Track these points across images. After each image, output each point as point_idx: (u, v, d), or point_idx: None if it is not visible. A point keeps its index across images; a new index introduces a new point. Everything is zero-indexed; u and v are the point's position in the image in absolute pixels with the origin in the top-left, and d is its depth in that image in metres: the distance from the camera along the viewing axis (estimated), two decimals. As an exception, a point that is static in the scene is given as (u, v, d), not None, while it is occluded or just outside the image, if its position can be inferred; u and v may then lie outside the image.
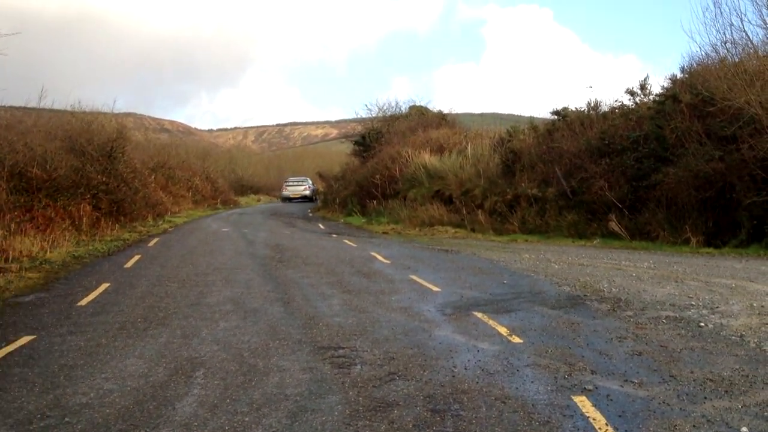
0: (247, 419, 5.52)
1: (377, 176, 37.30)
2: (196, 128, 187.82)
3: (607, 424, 5.30)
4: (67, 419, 5.55)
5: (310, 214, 44.32)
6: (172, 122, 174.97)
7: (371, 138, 47.11)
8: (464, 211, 27.95)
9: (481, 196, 28.33)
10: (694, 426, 5.28)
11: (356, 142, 51.11)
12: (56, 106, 33.75)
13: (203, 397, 6.07)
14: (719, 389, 6.18)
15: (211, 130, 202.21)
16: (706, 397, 5.95)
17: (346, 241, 22.81)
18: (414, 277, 13.57)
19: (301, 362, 7.23)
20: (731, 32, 20.05)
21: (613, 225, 20.86)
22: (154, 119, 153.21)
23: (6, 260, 14.83)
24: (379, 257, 17.29)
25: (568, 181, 23.88)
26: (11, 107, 34.58)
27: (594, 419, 5.42)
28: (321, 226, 31.99)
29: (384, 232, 28.27)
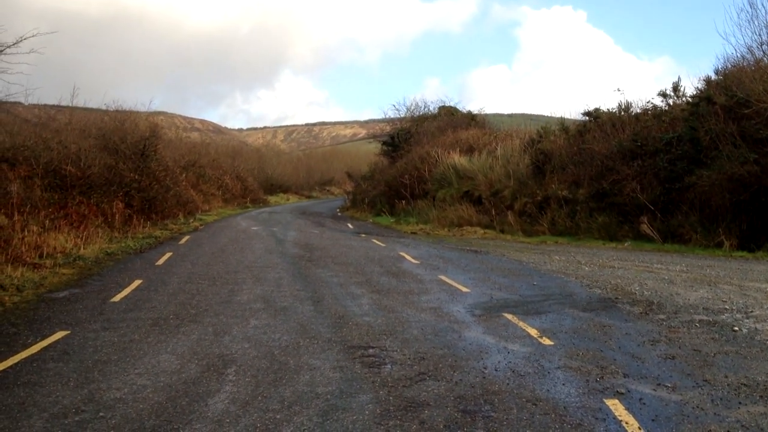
0: (278, 417, 5.55)
1: (406, 176, 37.31)
2: (226, 127, 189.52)
3: (639, 428, 5.24)
4: (101, 414, 5.63)
5: (339, 214, 44.49)
6: (202, 121, 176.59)
7: (400, 138, 47.14)
8: (493, 212, 27.84)
9: (511, 197, 28.20)
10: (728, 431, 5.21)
11: (385, 142, 51.17)
12: (90, 105, 34.35)
13: (235, 394, 6.12)
14: (754, 394, 6.09)
15: (241, 130, 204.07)
16: (740, 403, 5.87)
17: (375, 240, 22.84)
18: (443, 278, 13.56)
19: (332, 361, 7.25)
20: (767, 34, 19.73)
21: (645, 227, 20.62)
22: (184, 118, 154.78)
23: (40, 256, 15.08)
24: (408, 257, 17.29)
25: (599, 183, 23.67)
26: (45, 105, 35.23)
27: (627, 423, 5.37)
28: (350, 226, 32.07)
29: (413, 232, 28.27)
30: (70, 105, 32.73)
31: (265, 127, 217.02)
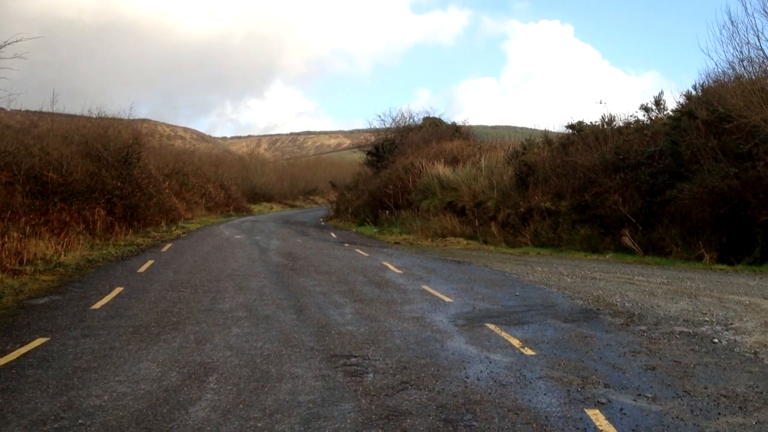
0: (259, 425, 5.52)
1: (390, 186, 37.38)
2: (210, 135, 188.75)
3: (620, 438, 5.28)
4: (80, 421, 5.58)
5: (323, 223, 44.45)
6: (186, 129, 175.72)
7: (384, 148, 47.20)
8: (477, 223, 27.93)
9: (494, 208, 28.29)
10: (708, 442, 5.25)
11: (369, 152, 51.22)
12: (74, 111, 34.17)
13: (216, 402, 6.09)
14: (733, 405, 6.14)
15: (225, 138, 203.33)
16: (720, 413, 5.92)
17: (359, 250, 22.84)
18: (426, 288, 13.57)
19: (314, 369, 7.24)
20: (748, 50, 19.99)
21: (627, 240, 20.77)
22: (168, 126, 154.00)
23: (21, 263, 14.93)
24: (391, 267, 17.30)
25: (582, 195, 23.85)
26: (27, 111, 34.98)
27: (607, 433, 5.40)
28: (333, 235, 32.05)
29: (396, 242, 28.29)
30: (52, 111, 32.51)
31: (249, 136, 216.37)
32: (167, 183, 39.20)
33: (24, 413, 5.75)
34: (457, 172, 33.24)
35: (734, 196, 18.67)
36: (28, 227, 17.61)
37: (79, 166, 24.12)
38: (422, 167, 35.99)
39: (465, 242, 26.91)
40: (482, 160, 33.25)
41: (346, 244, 25.90)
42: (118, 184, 26.34)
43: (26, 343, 8.27)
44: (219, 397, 6.25)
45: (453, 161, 35.85)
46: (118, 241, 22.06)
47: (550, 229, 24.46)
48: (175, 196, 39.73)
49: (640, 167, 22.39)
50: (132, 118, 38.15)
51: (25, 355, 7.72)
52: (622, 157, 23.42)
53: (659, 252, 20.06)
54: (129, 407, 5.93)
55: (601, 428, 5.50)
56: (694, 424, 5.65)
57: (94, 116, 33.91)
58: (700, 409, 6.02)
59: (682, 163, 20.94)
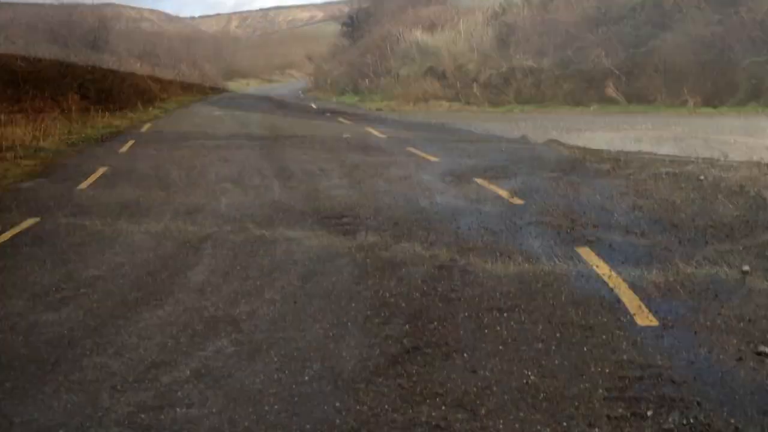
0: (258, 283, 5.59)
1: (368, 55, 36.78)
2: (177, 16, 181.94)
3: (611, 270, 5.41)
4: (82, 290, 5.61)
5: (302, 96, 43.85)
6: (152, 11, 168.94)
7: (359, 18, 45.97)
8: (458, 86, 27.69)
9: (476, 70, 28.01)
10: (696, 267, 5.40)
11: (344, 24, 49.91)
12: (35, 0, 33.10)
13: (214, 266, 6.14)
14: (720, 234, 6.29)
15: (193, 18, 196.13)
16: (707, 242, 6.07)
17: (341, 119, 22.63)
18: (411, 149, 13.55)
19: (307, 231, 7.28)
20: None
21: (610, 91, 20.79)
22: (133, 9, 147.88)
23: (0, 149, 14.67)
24: (375, 132, 17.19)
25: (564, 51, 23.68)
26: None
27: (598, 266, 5.53)
28: (314, 106, 31.68)
29: (378, 109, 28.06)
30: (12, 1, 31.33)
31: (218, 14, 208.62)
32: (139, 64, 38.16)
33: (25, 287, 5.78)
34: (436, 37, 32.63)
35: (718, 43, 18.60)
36: (2, 115, 17.24)
37: (47, 53, 23.47)
38: (400, 35, 35.24)
39: (447, 104, 26.76)
40: (461, 23, 32.55)
41: (328, 114, 25.63)
42: (89, 68, 25.69)
43: (17, 224, 8.20)
44: (216, 261, 6.30)
45: (431, 27, 35.08)
46: (96, 123, 21.63)
47: (532, 86, 24.41)
48: (149, 78, 38.79)
49: (622, 20, 22.18)
50: (95, 2, 36.86)
51: (17, 234, 7.67)
52: (604, 11, 23.19)
53: (643, 101, 20.17)
54: (128, 275, 5.98)
55: (591, 263, 5.64)
56: (682, 253, 5.80)
57: (56, 3, 32.74)
58: (688, 240, 6.17)
59: (664, 13, 20.72)
